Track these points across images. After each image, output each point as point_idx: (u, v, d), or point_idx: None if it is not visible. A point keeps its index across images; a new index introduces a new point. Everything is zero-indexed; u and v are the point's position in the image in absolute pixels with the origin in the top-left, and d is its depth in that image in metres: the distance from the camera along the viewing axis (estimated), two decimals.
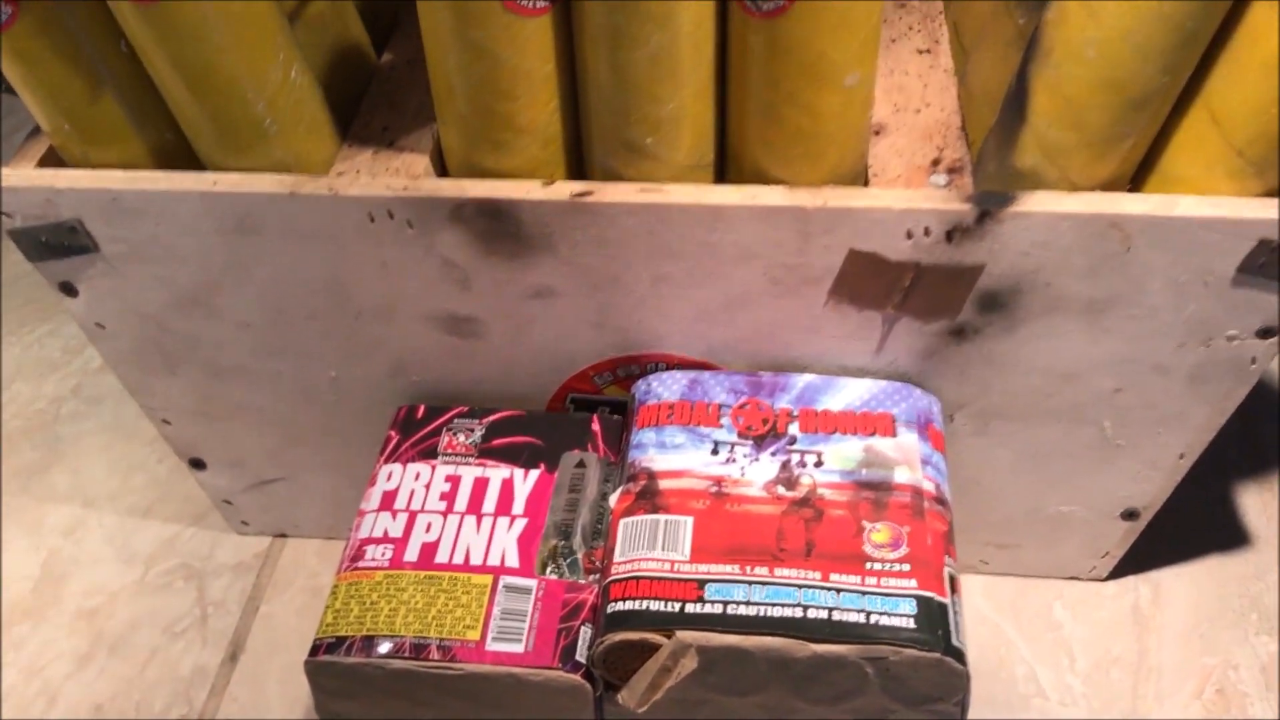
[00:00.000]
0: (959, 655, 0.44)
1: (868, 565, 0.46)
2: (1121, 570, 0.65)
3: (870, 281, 0.50)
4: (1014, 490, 0.61)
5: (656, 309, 0.53)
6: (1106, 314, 0.51)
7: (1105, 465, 0.58)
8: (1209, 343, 0.51)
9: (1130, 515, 0.61)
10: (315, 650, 0.50)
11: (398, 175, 0.52)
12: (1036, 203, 0.47)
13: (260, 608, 0.68)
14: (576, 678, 0.47)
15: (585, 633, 0.49)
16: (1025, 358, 0.53)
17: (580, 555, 0.52)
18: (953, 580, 0.46)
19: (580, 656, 0.48)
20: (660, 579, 0.46)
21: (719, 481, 0.50)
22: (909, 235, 0.48)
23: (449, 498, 0.55)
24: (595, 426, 0.57)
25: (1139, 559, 0.65)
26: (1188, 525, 0.62)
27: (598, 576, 0.50)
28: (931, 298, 0.51)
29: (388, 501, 0.55)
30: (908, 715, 0.46)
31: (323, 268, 0.53)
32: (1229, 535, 0.68)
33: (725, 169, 0.52)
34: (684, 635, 0.44)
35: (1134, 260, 0.48)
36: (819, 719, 0.47)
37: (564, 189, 0.49)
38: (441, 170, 0.54)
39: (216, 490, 0.68)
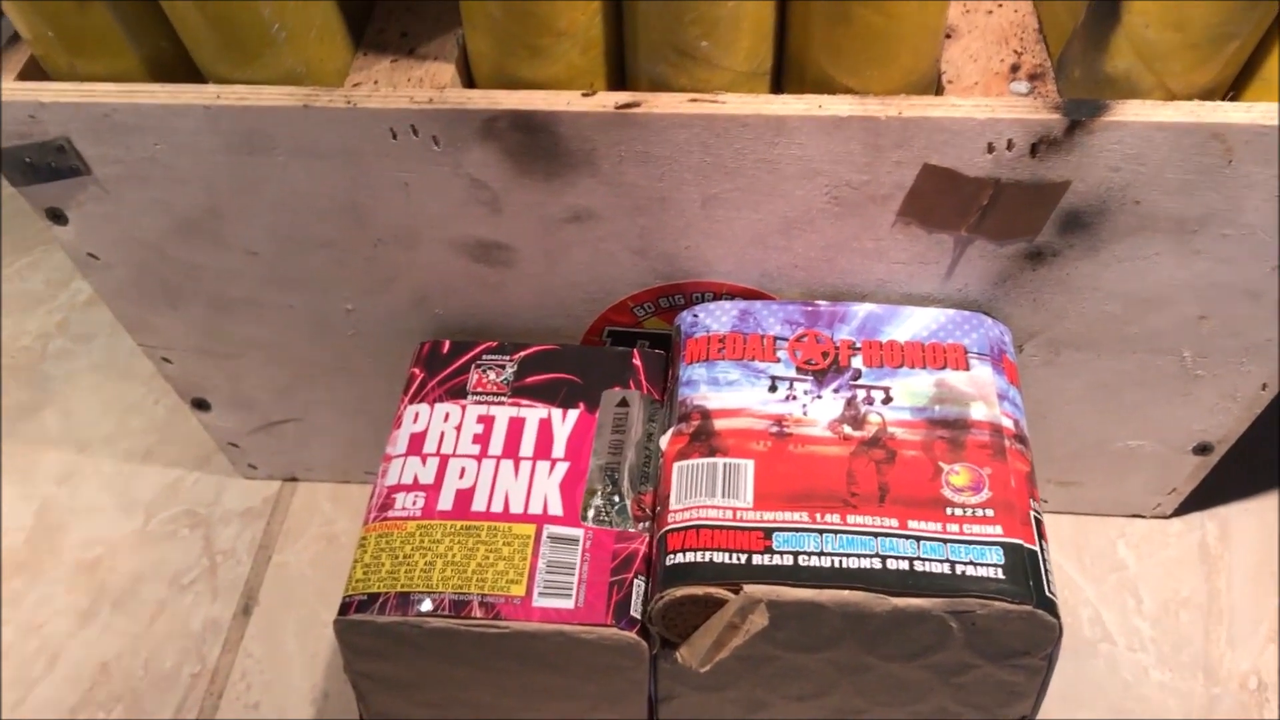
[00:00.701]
0: (1051, 607, 0.41)
1: (948, 511, 0.43)
2: (1185, 507, 0.63)
3: (944, 200, 0.47)
4: (1081, 424, 0.58)
5: (706, 232, 0.49)
6: (1199, 234, 0.47)
7: (1181, 397, 0.55)
8: None
9: (1203, 450, 0.58)
10: (346, 609, 0.46)
11: (421, 86, 0.48)
12: (1132, 112, 0.43)
13: (273, 557, 0.65)
14: (632, 635, 0.44)
15: (639, 586, 0.45)
16: (1106, 283, 0.50)
17: (629, 501, 0.48)
18: (1039, 524, 0.43)
19: (635, 612, 0.45)
20: (723, 528, 0.43)
21: (779, 421, 0.46)
22: (990, 149, 0.44)
23: (482, 440, 0.51)
24: (636, 361, 0.53)
25: (1203, 495, 0.62)
26: (1252, 458, 0.59)
27: (648, 524, 0.47)
28: (1009, 217, 0.47)
29: (416, 445, 0.51)
30: (990, 670, 0.43)
31: (339, 190, 0.49)
32: None
33: (783, 77, 0.47)
34: (753, 590, 0.41)
35: (1234, 175, 0.44)
36: (891, 674, 0.44)
37: (607, 99, 0.44)
38: (468, 81, 0.49)
39: (222, 433, 0.64)
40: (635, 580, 0.46)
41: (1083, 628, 0.59)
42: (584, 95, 0.45)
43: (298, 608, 0.62)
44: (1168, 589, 0.60)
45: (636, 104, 0.44)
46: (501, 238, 0.50)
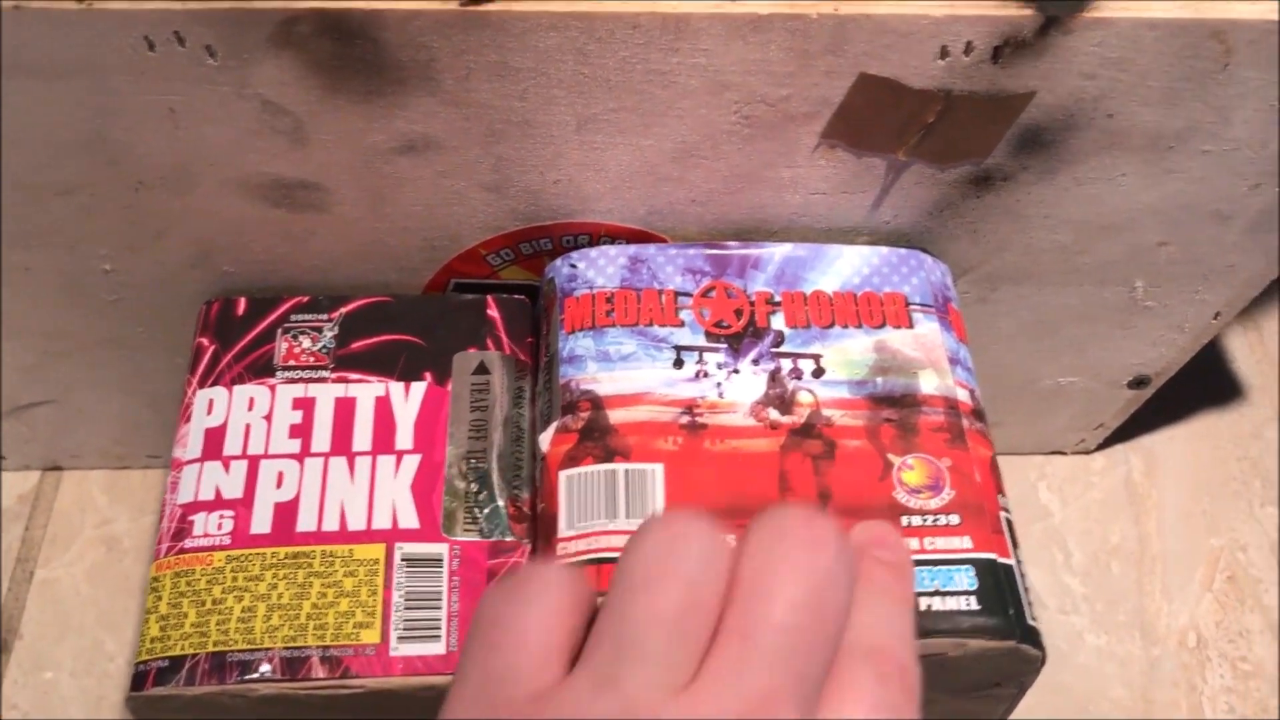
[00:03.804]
0: (1034, 637, 0.34)
1: (904, 520, 0.35)
2: (1108, 440, 0.58)
3: (881, 117, 0.38)
4: (1010, 363, 0.51)
5: (581, 163, 0.39)
6: (1174, 151, 0.40)
7: (1124, 330, 0.49)
8: None
9: (1139, 383, 0.53)
10: (140, 680, 0.36)
11: None
12: (1120, 5, 0.35)
13: (35, 572, 0.52)
14: None
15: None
16: (1061, 209, 0.42)
17: (502, 501, 0.39)
18: (1010, 528, 0.36)
19: None
20: None
21: (691, 407, 0.38)
22: (943, 53, 0.36)
23: (302, 432, 0.41)
24: (493, 313, 0.44)
25: (1125, 425, 0.57)
26: (1172, 380, 0.54)
27: (529, 526, 0.38)
28: (957, 136, 0.39)
29: (214, 445, 0.41)
30: (954, 703, 0.36)
31: (79, 120, 0.37)
32: (1219, 386, 0.61)
33: None
34: None
35: (1228, 80, 0.37)
36: None
37: None
38: None
39: None
40: None
41: None
42: None
43: (74, 638, 0.51)
44: (1096, 537, 0.55)
45: None
46: (308, 175, 0.39)
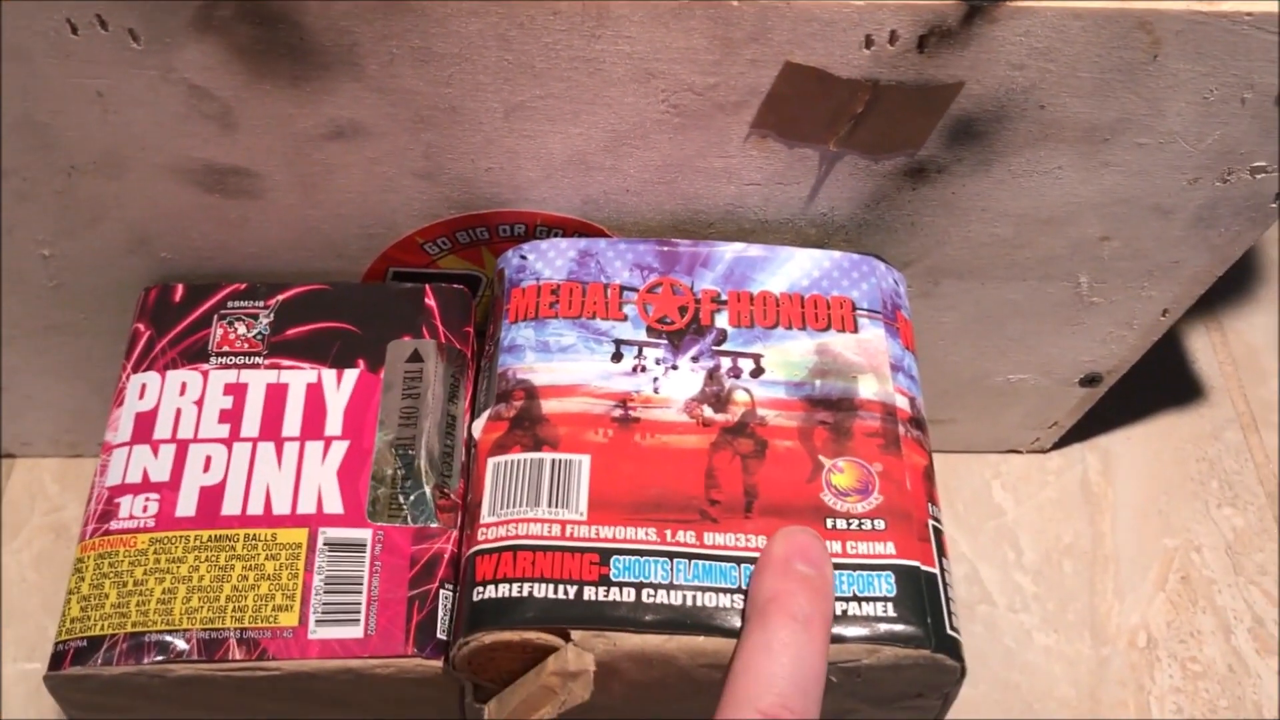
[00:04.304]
0: (953, 647, 0.34)
1: (829, 523, 0.35)
2: (1064, 440, 0.57)
3: (810, 106, 0.38)
4: (958, 359, 0.51)
5: (512, 150, 0.39)
6: (1110, 144, 0.40)
7: (1071, 327, 0.49)
8: (1228, 177, 0.41)
9: (1091, 381, 0.53)
10: (59, 660, 0.36)
11: None
12: None
13: None
14: (439, 665, 0.36)
15: (446, 599, 0.37)
16: (998, 202, 0.42)
17: (429, 488, 0.39)
18: (939, 536, 0.36)
19: (442, 633, 0.36)
20: (548, 549, 0.34)
21: (624, 400, 0.38)
22: (868, 42, 0.36)
23: (232, 418, 0.41)
24: (430, 301, 0.44)
25: (1083, 425, 0.57)
26: (1132, 379, 0.54)
27: (456, 514, 0.38)
28: (888, 127, 0.39)
29: (144, 429, 0.41)
30: (875, 713, 0.36)
31: (8, 103, 0.37)
32: (1179, 386, 0.61)
33: None
34: (582, 639, 0.32)
35: (1159, 72, 0.37)
36: None
37: None
38: None
39: None
40: (441, 591, 0.37)
41: (959, 588, 0.53)
42: None
43: (19, 625, 0.51)
44: (1049, 536, 0.55)
45: None
46: (239, 160, 0.40)
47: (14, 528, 0.54)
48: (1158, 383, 0.60)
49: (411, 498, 0.39)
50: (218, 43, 0.35)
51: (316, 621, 0.37)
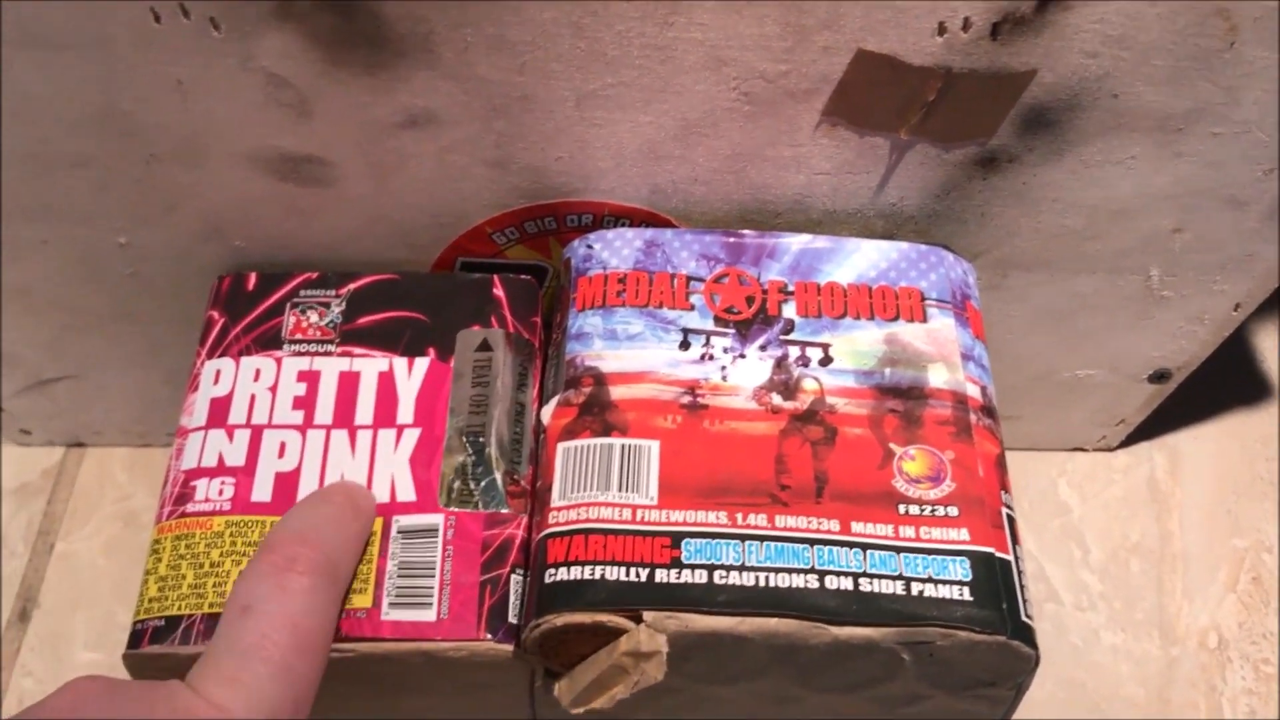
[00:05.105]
0: (1027, 634, 0.34)
1: (901, 509, 0.35)
2: (1131, 438, 0.57)
3: (882, 94, 0.38)
4: (1026, 353, 0.51)
5: (582, 140, 0.40)
6: (1184, 133, 0.40)
7: (1141, 321, 0.49)
8: None
9: (1160, 377, 0.52)
10: (137, 639, 0.37)
11: None
12: None
13: (56, 545, 0.54)
14: (510, 649, 0.36)
15: (517, 584, 0.37)
16: (1069, 192, 0.42)
17: (499, 474, 0.40)
18: (1012, 524, 0.36)
19: (513, 617, 0.37)
20: (618, 532, 0.34)
21: (693, 388, 0.38)
22: (941, 29, 0.36)
23: (306, 404, 0.42)
24: (498, 291, 0.44)
25: (1150, 422, 0.56)
26: (1199, 377, 0.54)
27: (525, 500, 0.39)
28: (960, 115, 0.39)
29: (219, 414, 0.42)
30: (947, 700, 0.36)
31: (89, 93, 0.38)
32: (1247, 385, 0.60)
33: None
34: (654, 619, 0.33)
35: (1235, 60, 0.37)
36: (826, 705, 0.37)
37: None
38: None
39: None
40: (513, 576, 0.38)
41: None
42: None
43: (89, 609, 0.52)
44: (1116, 534, 0.55)
45: None
46: (314, 149, 0.40)
47: (85, 515, 0.55)
48: (1226, 381, 0.59)
49: (482, 484, 0.40)
50: (296, 31, 0.36)
51: (390, 604, 0.37)
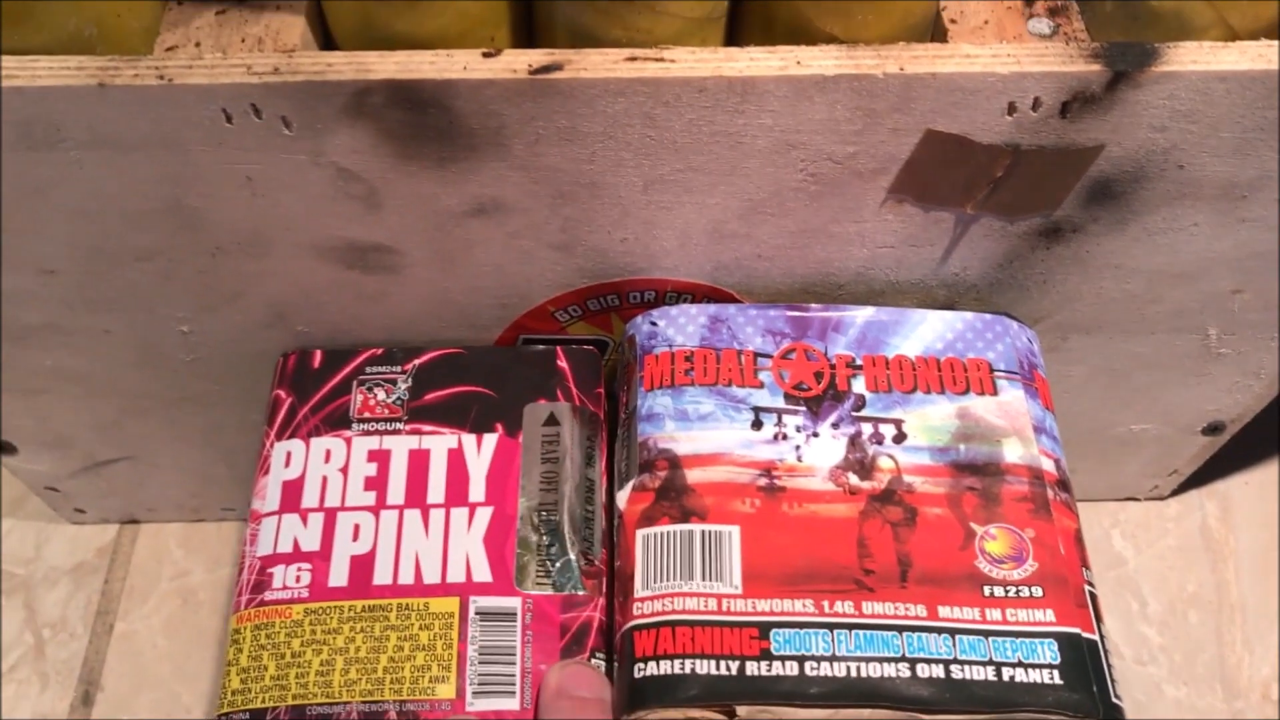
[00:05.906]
0: (1118, 716, 0.34)
1: (986, 590, 0.35)
2: (1182, 486, 0.57)
3: (949, 172, 0.38)
4: (1082, 410, 0.51)
5: (648, 222, 0.40)
6: (1247, 200, 0.40)
7: (1197, 377, 0.49)
8: None
9: (1214, 429, 0.52)
10: None
11: (261, 49, 0.37)
12: (1189, 58, 0.35)
13: (115, 625, 0.54)
14: None
15: (598, 667, 0.37)
16: (1132, 259, 0.42)
17: (574, 555, 0.39)
18: (1094, 601, 0.36)
19: None
20: (706, 624, 0.34)
21: (769, 469, 0.38)
22: (1011, 109, 0.36)
23: (378, 485, 0.42)
24: (562, 363, 0.44)
25: (1200, 470, 0.56)
26: (1250, 424, 0.54)
27: (600, 582, 0.38)
28: (1026, 190, 0.39)
29: (291, 498, 0.41)
30: None
31: (158, 189, 0.38)
32: None
33: (741, 22, 0.38)
34: (749, 714, 0.32)
35: None
36: None
37: (517, 61, 0.34)
38: (325, 39, 0.38)
39: (34, 477, 0.53)
40: (592, 660, 0.37)
41: None
42: (485, 56, 0.34)
43: (151, 690, 0.52)
44: (1172, 585, 0.54)
45: (557, 66, 0.34)
46: (382, 238, 0.40)
47: (143, 593, 0.54)
48: (1272, 427, 0.59)
49: (558, 564, 0.40)
50: (368, 127, 0.36)
51: (474, 693, 0.37)
